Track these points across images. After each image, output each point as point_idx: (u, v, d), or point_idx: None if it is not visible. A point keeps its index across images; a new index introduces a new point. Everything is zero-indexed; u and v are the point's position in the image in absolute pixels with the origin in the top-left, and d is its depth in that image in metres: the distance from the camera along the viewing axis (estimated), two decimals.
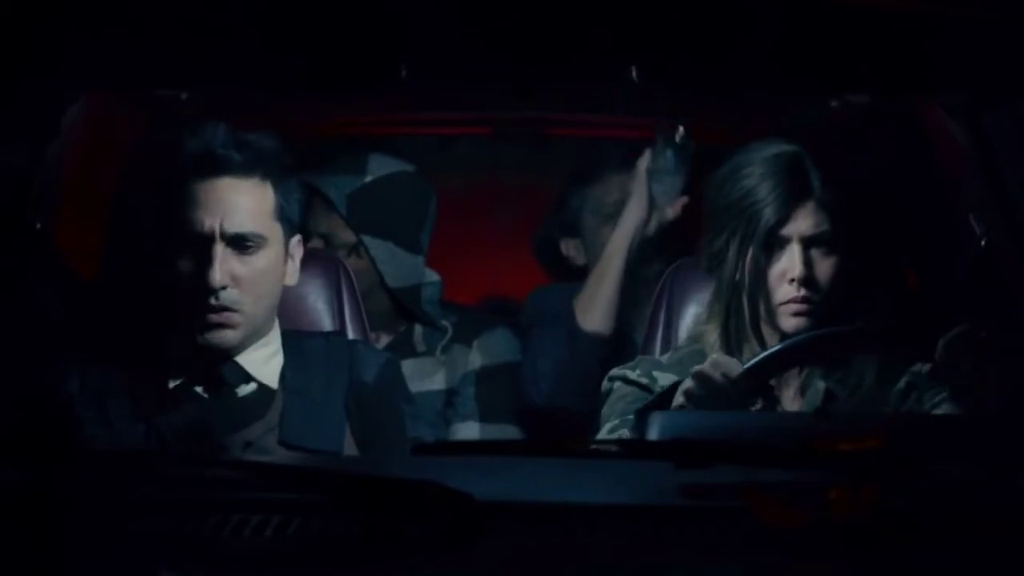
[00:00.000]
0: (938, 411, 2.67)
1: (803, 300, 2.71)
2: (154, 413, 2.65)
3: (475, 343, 3.50)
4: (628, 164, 3.49)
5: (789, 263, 2.71)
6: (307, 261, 2.84)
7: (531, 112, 3.50)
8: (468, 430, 3.41)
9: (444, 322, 3.51)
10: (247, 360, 2.72)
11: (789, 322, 2.72)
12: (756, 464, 1.99)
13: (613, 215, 3.51)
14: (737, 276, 2.74)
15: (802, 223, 2.72)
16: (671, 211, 3.41)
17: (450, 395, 3.47)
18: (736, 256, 2.74)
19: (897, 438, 2.03)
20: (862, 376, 2.74)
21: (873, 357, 2.74)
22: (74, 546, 1.82)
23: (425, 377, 3.44)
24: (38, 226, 2.80)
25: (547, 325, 3.46)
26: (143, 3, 2.39)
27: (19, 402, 2.58)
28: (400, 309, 3.47)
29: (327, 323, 3.00)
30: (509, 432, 3.42)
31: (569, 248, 3.69)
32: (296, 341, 2.80)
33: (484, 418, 3.43)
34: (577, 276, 3.66)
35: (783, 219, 2.71)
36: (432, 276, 3.50)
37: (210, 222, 2.65)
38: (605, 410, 2.78)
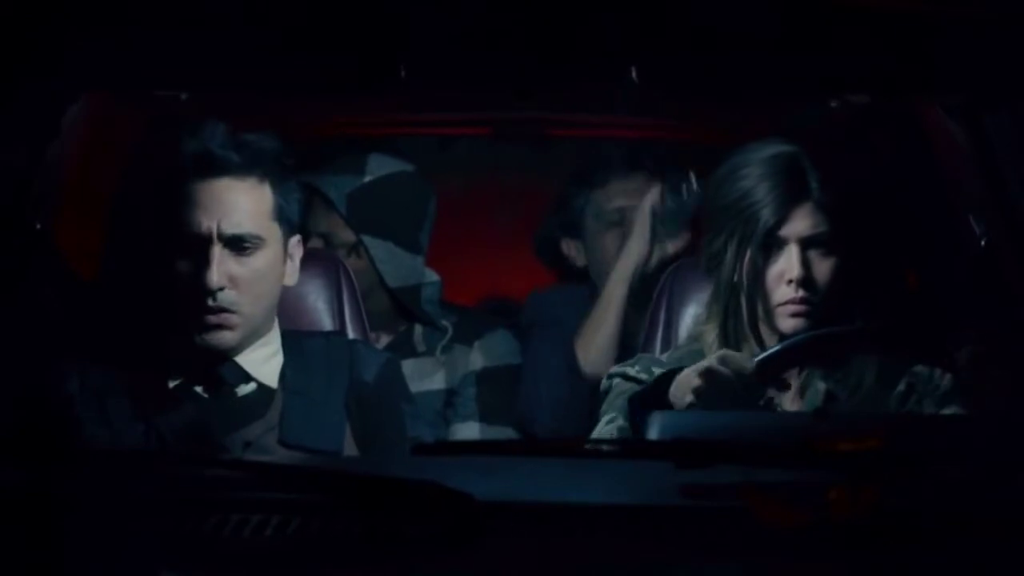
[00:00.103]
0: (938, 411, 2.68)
1: (801, 301, 2.70)
2: (154, 413, 2.65)
3: (476, 344, 3.50)
4: (630, 170, 3.51)
5: (787, 264, 2.71)
6: (307, 261, 2.84)
7: (531, 112, 3.49)
8: (468, 430, 3.40)
9: (444, 322, 3.51)
10: (247, 360, 2.72)
11: (787, 323, 2.72)
12: (756, 464, 1.99)
13: (615, 222, 3.52)
14: (735, 277, 2.74)
15: (800, 224, 2.72)
16: (672, 247, 3.42)
17: (450, 395, 3.47)
18: (734, 257, 2.74)
19: (897, 438, 2.03)
20: (862, 377, 2.74)
21: (873, 357, 2.74)
22: (74, 546, 1.82)
23: (425, 377, 3.44)
24: (38, 226, 2.80)
25: (546, 340, 3.48)
26: (143, 3, 2.39)
27: (19, 402, 2.58)
28: (400, 309, 3.47)
29: (327, 323, 3.00)
30: (509, 432, 3.42)
31: (570, 248, 3.69)
32: (296, 341, 2.80)
33: (484, 418, 3.43)
34: (577, 276, 3.67)
35: (781, 220, 2.71)
36: (432, 276, 3.50)
37: (208, 223, 2.65)
38: (604, 407, 2.78)
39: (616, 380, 2.79)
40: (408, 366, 3.22)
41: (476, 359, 3.48)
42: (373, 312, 3.25)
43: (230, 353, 2.70)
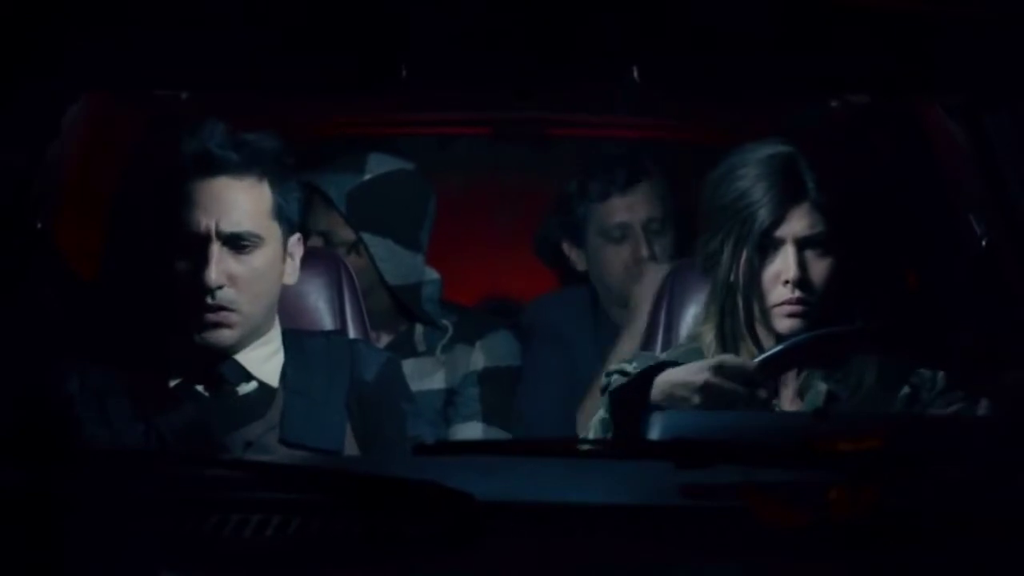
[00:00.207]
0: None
1: (797, 302, 2.70)
2: (154, 413, 2.65)
3: (478, 344, 3.50)
4: (629, 182, 3.51)
5: (783, 264, 2.71)
6: (307, 259, 2.83)
7: (531, 112, 3.49)
8: (468, 430, 3.41)
9: (444, 321, 3.51)
10: (247, 358, 2.72)
11: (783, 323, 2.72)
12: (756, 464, 1.99)
13: (617, 239, 3.53)
14: (732, 277, 2.75)
15: (796, 224, 2.72)
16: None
17: (450, 395, 3.47)
18: (731, 257, 2.74)
19: (897, 438, 2.03)
20: (862, 377, 2.74)
21: (873, 358, 2.74)
22: (74, 546, 1.82)
23: (425, 376, 3.44)
24: (38, 226, 2.81)
25: (547, 343, 3.49)
26: (143, 3, 2.39)
27: (19, 402, 2.58)
28: (400, 308, 3.47)
29: (328, 322, 3.00)
30: (509, 433, 3.42)
31: (571, 252, 3.70)
32: (297, 340, 2.81)
33: (485, 418, 3.43)
34: (577, 280, 3.67)
35: (777, 220, 2.71)
36: (432, 274, 3.50)
37: (206, 222, 2.65)
38: (602, 404, 2.78)
39: (614, 377, 2.80)
40: (408, 365, 3.22)
41: (478, 359, 3.49)
42: (374, 311, 3.25)
43: (230, 351, 2.70)
